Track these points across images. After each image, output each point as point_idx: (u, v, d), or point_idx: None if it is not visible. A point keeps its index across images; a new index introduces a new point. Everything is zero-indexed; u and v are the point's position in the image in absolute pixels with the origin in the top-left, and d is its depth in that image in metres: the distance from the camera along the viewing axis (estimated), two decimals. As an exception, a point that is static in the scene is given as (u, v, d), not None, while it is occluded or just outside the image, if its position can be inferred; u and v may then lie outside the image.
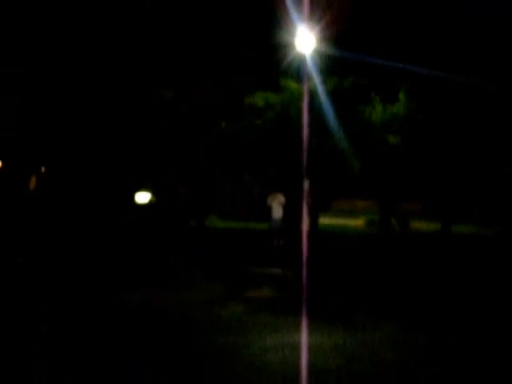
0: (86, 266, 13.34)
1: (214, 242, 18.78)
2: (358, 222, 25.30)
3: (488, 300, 10.50)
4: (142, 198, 25.31)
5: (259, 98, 20.70)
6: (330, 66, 20.40)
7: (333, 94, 20.03)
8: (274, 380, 5.87)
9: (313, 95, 20.06)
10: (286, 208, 21.08)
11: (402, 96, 20.49)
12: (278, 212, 16.88)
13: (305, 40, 17.95)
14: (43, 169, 25.34)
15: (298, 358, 6.58)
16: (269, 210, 17.15)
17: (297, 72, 20.27)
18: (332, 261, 15.04)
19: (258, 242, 18.54)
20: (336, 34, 20.33)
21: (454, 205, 21.76)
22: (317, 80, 20.11)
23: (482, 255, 16.49)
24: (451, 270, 14.16)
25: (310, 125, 20.28)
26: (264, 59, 21.40)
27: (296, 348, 6.98)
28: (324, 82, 20.25)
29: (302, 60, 19.91)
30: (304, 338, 7.48)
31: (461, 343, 7.46)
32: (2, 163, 24.52)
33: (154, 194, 25.32)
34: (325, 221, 23.44)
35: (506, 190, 21.86)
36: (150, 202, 25.39)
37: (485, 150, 20.42)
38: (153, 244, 17.72)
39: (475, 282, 12.41)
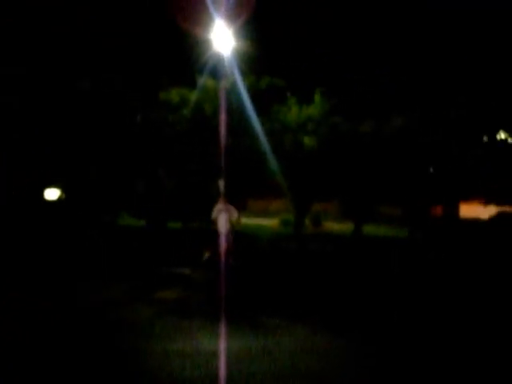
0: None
1: (125, 240, 18.26)
2: (272, 222, 25.39)
3: (395, 299, 10.68)
4: (51, 194, 24.29)
5: (174, 94, 20.35)
6: (246, 64, 20.36)
7: (249, 93, 19.96)
8: None
9: (229, 93, 19.93)
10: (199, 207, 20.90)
11: (317, 98, 20.68)
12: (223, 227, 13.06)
13: (222, 37, 17.81)
14: None
15: (209, 363, 6.39)
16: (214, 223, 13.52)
17: (213, 69, 20.10)
18: (245, 261, 14.92)
19: (169, 241, 18.21)
20: (254, 33, 20.34)
21: (365, 206, 22.21)
22: (233, 78, 20.00)
23: (389, 257, 16.88)
24: (361, 270, 14.38)
25: (226, 123, 20.15)
26: (180, 55, 21.10)
27: (203, 353, 6.77)
28: (240, 80, 20.17)
29: (219, 57, 19.77)
30: (215, 342, 7.29)
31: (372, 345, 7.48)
32: None
33: (64, 190, 24.37)
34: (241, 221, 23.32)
35: (416, 191, 22.52)
36: (60, 198, 24.41)
37: (396, 152, 20.95)
38: (59, 243, 16.99)
39: (384, 283, 12.62)
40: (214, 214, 12.80)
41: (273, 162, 19.85)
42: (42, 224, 20.48)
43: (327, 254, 17.38)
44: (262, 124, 19.74)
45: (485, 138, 25.34)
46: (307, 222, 23.74)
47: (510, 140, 24.74)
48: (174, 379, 5.89)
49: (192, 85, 20.36)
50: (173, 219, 22.79)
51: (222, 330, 7.95)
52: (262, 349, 7.12)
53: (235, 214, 13.08)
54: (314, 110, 20.52)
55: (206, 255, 12.63)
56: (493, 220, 24.35)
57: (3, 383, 5.58)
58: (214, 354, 6.82)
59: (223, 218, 12.63)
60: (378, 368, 6.58)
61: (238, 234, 19.98)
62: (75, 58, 21.96)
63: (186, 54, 20.61)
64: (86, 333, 7.57)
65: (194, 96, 20.25)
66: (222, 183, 22.60)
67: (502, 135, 24.88)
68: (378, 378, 6.23)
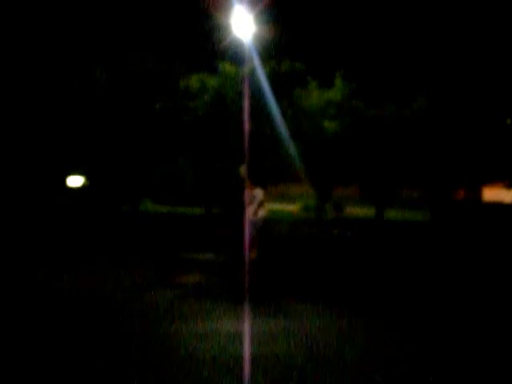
0: (11, 253, 12.79)
1: (147, 226, 18.41)
2: (293, 207, 25.43)
3: (418, 286, 10.67)
4: (74, 181, 24.59)
5: (194, 81, 20.38)
6: (267, 49, 20.34)
7: (270, 78, 19.94)
8: (208, 367, 5.69)
9: (249, 79, 19.92)
10: (222, 193, 20.90)
11: (338, 81, 20.60)
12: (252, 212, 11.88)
13: (242, 22, 17.75)
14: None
15: (232, 345, 6.44)
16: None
17: (234, 55, 20.12)
18: (267, 246, 14.96)
19: (191, 227, 18.32)
20: (274, 17, 20.28)
21: (387, 190, 22.14)
22: (254, 63, 19.97)
23: (412, 241, 16.84)
24: (384, 255, 14.36)
25: (247, 109, 20.16)
26: (200, 41, 21.14)
27: (229, 335, 6.83)
28: (261, 65, 20.14)
29: (239, 43, 19.74)
30: (237, 324, 7.34)
31: (394, 331, 7.49)
32: None
33: (87, 177, 24.66)
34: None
35: (438, 174, 22.37)
36: (84, 185, 24.71)
37: (418, 136, 20.81)
38: (83, 229, 17.19)
39: (407, 269, 12.60)
40: (246, 197, 11.52)
41: (294, 147, 19.85)
42: (65, 211, 20.75)
43: (350, 239, 17.37)
44: (283, 109, 19.73)
45: (508, 121, 25.05)
46: (328, 207, 23.73)
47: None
48: (197, 360, 5.96)
49: (212, 71, 20.39)
50: (195, 205, 22.94)
51: (245, 312, 8.00)
52: (285, 331, 7.16)
53: (260, 195, 12.02)
54: (334, 94, 20.45)
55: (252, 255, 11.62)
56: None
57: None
58: (237, 336, 6.87)
59: (253, 206, 11.62)
60: (400, 351, 6.60)
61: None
62: (95, 46, 22.11)
63: (206, 40, 20.64)
64: (109, 317, 7.67)
65: (214, 82, 20.28)
66: (244, 168, 22.68)
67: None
68: (399, 361, 6.25)
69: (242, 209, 11.04)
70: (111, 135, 21.39)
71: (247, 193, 11.02)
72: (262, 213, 11.09)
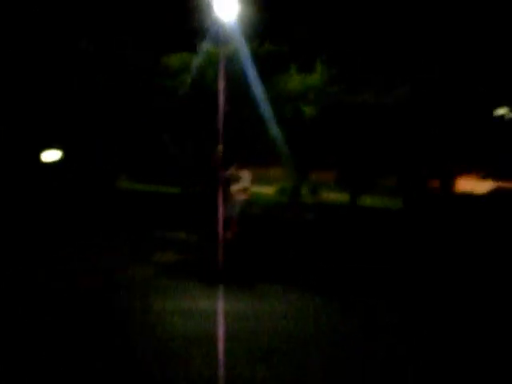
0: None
1: (122, 204, 18.37)
2: (269, 190, 25.48)
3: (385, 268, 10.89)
4: (50, 156, 24.28)
5: (175, 59, 20.24)
6: (249, 30, 20.22)
7: (250, 60, 19.89)
8: (181, 344, 5.81)
9: (230, 60, 19.83)
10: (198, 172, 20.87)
11: (318, 66, 20.62)
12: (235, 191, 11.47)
13: (224, 2, 17.63)
14: None
15: (205, 322, 6.56)
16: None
17: (215, 35, 19.97)
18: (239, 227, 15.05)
19: (166, 205, 18.33)
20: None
21: (362, 176, 22.33)
22: (235, 44, 19.87)
23: (384, 228, 17.09)
24: (355, 239, 14.57)
25: (226, 90, 20.11)
26: (181, 20, 20.95)
27: (200, 312, 6.95)
28: (242, 46, 20.07)
29: (220, 23, 19.61)
30: (211, 303, 7.46)
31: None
32: None
33: (63, 152, 24.38)
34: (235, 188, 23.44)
35: (413, 163, 22.59)
36: (59, 160, 24.42)
37: (396, 124, 20.98)
38: (57, 206, 17.06)
39: (375, 252, 12.82)
40: (227, 175, 11.40)
41: (273, 130, 19.90)
42: (39, 187, 20.53)
43: (323, 222, 17.55)
44: (263, 92, 19.73)
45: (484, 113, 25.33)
46: (304, 190, 23.87)
47: (508, 115, 24.72)
48: (172, 336, 6.08)
49: (193, 51, 20.25)
50: (171, 184, 22.91)
51: (219, 291, 8.14)
52: (259, 310, 7.32)
53: (248, 183, 11.78)
54: (315, 79, 20.48)
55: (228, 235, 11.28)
56: (489, 195, 24.41)
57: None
58: (212, 314, 7.01)
59: (237, 186, 11.34)
60: (371, 332, 6.79)
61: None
62: (78, 18, 21.75)
63: (187, 19, 20.47)
64: (84, 294, 7.74)
65: (194, 61, 20.16)
66: (220, 149, 22.65)
67: (501, 110, 24.88)
68: (369, 340, 6.44)
69: (217, 188, 10.90)
70: (91, 109, 21.20)
71: (232, 172, 10.90)
72: (244, 196, 11.04)
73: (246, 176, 11.22)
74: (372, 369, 5.58)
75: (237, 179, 10.80)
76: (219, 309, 7.26)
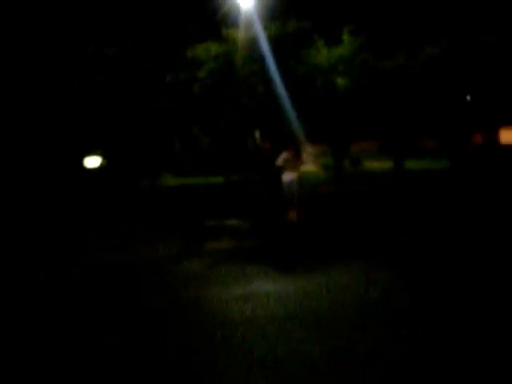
0: (41, 231, 13.00)
1: (169, 199, 18.56)
2: (313, 167, 25.36)
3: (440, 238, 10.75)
4: (92, 162, 24.74)
5: (201, 50, 20.22)
6: (270, 11, 20.08)
7: (276, 40, 19.76)
8: (239, 329, 5.84)
9: (256, 43, 19.76)
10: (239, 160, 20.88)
11: (345, 37, 20.35)
12: (289, 174, 10.74)
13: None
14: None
15: (265, 306, 6.58)
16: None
17: (238, 20, 19.91)
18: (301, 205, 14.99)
19: (212, 195, 18.44)
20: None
21: (404, 141, 22.04)
22: (258, 27, 19.78)
23: (433, 190, 16.86)
24: (404, 207, 14.42)
25: (256, 74, 20.04)
26: (203, 9, 20.93)
27: (261, 296, 6.97)
28: (266, 28, 19.95)
29: (242, 7, 19.54)
30: (268, 286, 7.48)
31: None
32: None
33: (104, 157, 24.79)
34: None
35: (454, 121, 22.19)
36: (101, 165, 24.86)
37: (431, 84, 20.58)
38: (105, 206, 17.32)
39: (428, 220, 12.65)
40: (280, 161, 10.65)
41: (307, 107, 19.78)
42: (85, 190, 20.88)
43: (370, 192, 17.38)
44: (293, 69, 19.60)
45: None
46: (346, 163, 23.70)
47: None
48: (233, 321, 6.11)
49: (219, 38, 20.21)
50: (214, 174, 23.03)
51: (276, 274, 8.14)
52: (318, 289, 7.30)
53: (300, 165, 11.26)
54: (343, 49, 20.22)
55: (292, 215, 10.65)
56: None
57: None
58: (270, 296, 7.02)
59: (289, 163, 10.81)
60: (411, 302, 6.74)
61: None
62: (98, 23, 21.95)
63: (209, 7, 20.44)
64: (145, 286, 7.85)
65: (219, 49, 20.14)
66: (257, 133, 22.66)
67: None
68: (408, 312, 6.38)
69: (273, 172, 10.67)
70: (125, 113, 21.45)
71: (286, 157, 10.64)
72: (295, 174, 10.83)
73: (299, 157, 11.06)
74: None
75: (293, 162, 10.49)
76: (278, 291, 7.26)
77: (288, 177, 10.33)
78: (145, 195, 20.06)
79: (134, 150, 22.75)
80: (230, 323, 6.04)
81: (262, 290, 7.27)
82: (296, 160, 10.51)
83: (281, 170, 10.43)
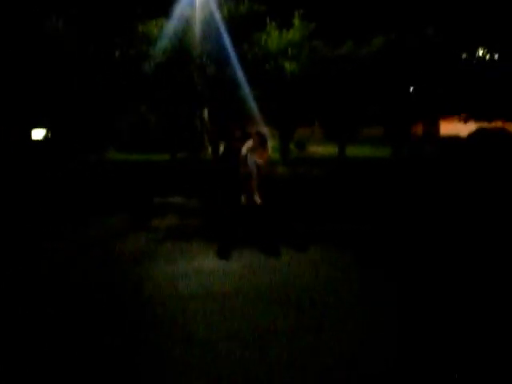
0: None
1: (115, 174, 18.49)
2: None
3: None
4: (37, 134, 24.35)
5: (153, 26, 20.13)
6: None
7: (228, 21, 19.87)
8: (191, 304, 6.06)
9: (208, 22, 19.82)
10: (187, 138, 20.96)
11: (296, 22, 20.65)
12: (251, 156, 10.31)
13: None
14: None
15: (207, 282, 6.82)
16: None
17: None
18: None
19: (158, 173, 18.52)
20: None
21: (348, 127, 22.60)
22: (212, 6, 19.83)
23: (375, 177, 17.46)
24: (348, 189, 14.92)
25: (207, 53, 20.11)
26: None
27: (206, 272, 7.21)
28: (220, 8, 20.03)
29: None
30: (213, 262, 7.73)
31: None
32: None
33: (49, 129, 24.36)
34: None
35: (397, 110, 22.84)
36: (46, 137, 24.45)
37: (376, 73, 21.13)
38: (50, 179, 17.12)
39: (373, 201, 13.18)
40: (244, 150, 10.50)
41: (255, 89, 20.00)
42: (31, 162, 20.56)
43: (316, 177, 17.77)
44: (244, 51, 19.77)
45: (464, 55, 25.51)
46: (292, 146, 24.14)
47: (488, 56, 24.96)
48: (178, 297, 6.33)
49: (171, 16, 20.14)
50: (160, 151, 23.07)
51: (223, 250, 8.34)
52: (263, 266, 7.62)
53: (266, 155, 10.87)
54: (293, 34, 20.53)
55: (243, 199, 10.49)
56: (472, 136, 24.79)
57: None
58: (215, 273, 7.27)
59: (253, 157, 10.41)
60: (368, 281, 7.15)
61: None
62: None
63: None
64: (88, 263, 7.95)
65: (173, 27, 20.09)
66: (206, 112, 22.73)
67: (480, 52, 25.07)
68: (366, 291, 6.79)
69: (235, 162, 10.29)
70: (71, 85, 21.10)
71: (252, 144, 10.41)
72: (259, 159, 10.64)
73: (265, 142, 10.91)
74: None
75: (258, 151, 10.24)
76: (222, 267, 7.54)
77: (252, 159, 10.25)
78: (91, 169, 19.90)
79: (80, 124, 22.44)
80: (171, 299, 6.24)
81: (205, 267, 7.54)
82: (262, 149, 10.36)
83: (245, 161, 10.28)
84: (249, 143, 10.43)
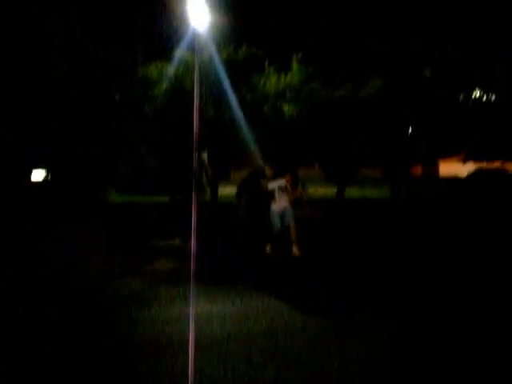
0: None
1: (113, 216, 18.47)
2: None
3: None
4: (37, 175, 24.40)
5: (153, 69, 20.41)
6: (224, 36, 20.46)
7: (227, 65, 20.11)
8: (174, 350, 5.97)
9: (208, 66, 20.05)
10: (185, 180, 20.98)
11: (295, 65, 20.91)
12: (279, 202, 10.50)
13: (198, 10, 17.82)
14: None
15: (200, 327, 6.72)
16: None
17: (191, 43, 20.15)
18: (232, 230, 15.20)
19: (157, 214, 18.49)
20: (229, 3, 20.42)
21: (347, 169, 22.66)
22: (211, 51, 20.08)
23: (374, 217, 17.43)
24: (346, 231, 14.88)
25: (206, 96, 20.30)
26: (156, 30, 21.12)
27: (197, 318, 7.12)
28: (218, 52, 20.29)
29: (195, 30, 19.79)
30: (205, 307, 7.63)
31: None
32: None
33: (49, 171, 24.44)
34: (225, 191, 23.70)
35: (396, 152, 22.94)
36: (45, 179, 24.51)
37: (374, 115, 21.30)
38: (47, 220, 17.05)
39: (370, 242, 13.11)
40: (272, 186, 10.25)
41: (254, 131, 20.12)
42: (30, 204, 20.52)
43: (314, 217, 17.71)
44: (243, 94, 19.97)
45: (461, 97, 25.82)
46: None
47: (484, 97, 25.24)
48: (165, 343, 6.22)
49: (170, 60, 20.42)
50: (160, 193, 23.08)
51: (216, 295, 8.28)
52: (259, 310, 7.52)
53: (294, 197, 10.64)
54: (292, 77, 20.76)
55: (268, 249, 10.11)
56: (471, 176, 24.89)
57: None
58: (208, 318, 7.16)
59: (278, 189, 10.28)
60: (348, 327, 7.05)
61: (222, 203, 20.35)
62: (49, 41, 21.76)
63: (162, 29, 20.66)
64: (81, 306, 7.86)
65: (172, 70, 20.33)
66: (205, 155, 22.82)
67: (477, 93, 25.39)
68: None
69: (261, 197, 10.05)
70: (72, 127, 21.26)
71: (282, 182, 10.09)
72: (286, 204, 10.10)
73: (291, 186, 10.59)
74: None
75: (286, 191, 9.98)
76: (216, 312, 7.44)
77: (279, 206, 9.86)
78: (89, 211, 19.85)
79: (80, 166, 22.52)
80: (161, 345, 6.15)
81: (199, 312, 7.44)
82: (292, 190, 9.98)
83: (270, 197, 10.03)
84: (281, 181, 10.10)
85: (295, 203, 10.42)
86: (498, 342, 6.20)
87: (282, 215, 10.13)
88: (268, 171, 10.22)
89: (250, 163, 12.49)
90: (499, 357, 5.73)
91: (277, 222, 9.94)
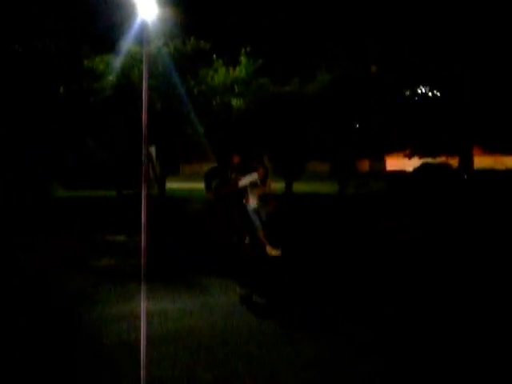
0: None
1: (57, 211, 18.06)
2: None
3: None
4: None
5: (99, 61, 20.04)
6: (172, 29, 20.25)
7: (175, 58, 19.94)
8: (117, 350, 5.85)
9: (155, 58, 19.81)
10: (132, 174, 20.77)
11: (243, 59, 20.89)
12: (252, 199, 9.97)
13: (146, 3, 17.56)
14: None
15: (144, 325, 6.59)
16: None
17: (138, 35, 19.86)
18: (178, 225, 15.10)
19: (103, 210, 18.20)
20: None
21: (294, 163, 22.81)
22: (159, 43, 19.87)
23: (323, 212, 17.59)
24: (292, 226, 14.94)
25: (154, 89, 20.06)
26: (103, 21, 20.74)
27: (141, 316, 6.98)
28: (166, 45, 20.10)
29: (143, 22, 19.50)
30: (149, 305, 7.50)
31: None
32: None
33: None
34: (173, 185, 23.54)
35: (343, 147, 23.21)
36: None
37: (322, 110, 21.50)
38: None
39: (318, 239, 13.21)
40: (244, 183, 9.54)
41: (203, 125, 20.03)
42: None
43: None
44: (191, 88, 19.83)
45: (407, 93, 26.32)
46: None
47: (430, 94, 25.82)
48: (110, 343, 6.09)
49: (117, 52, 20.09)
50: (106, 188, 22.73)
51: (158, 292, 8.12)
52: (200, 307, 7.44)
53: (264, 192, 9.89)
54: (240, 71, 20.74)
55: (247, 239, 9.20)
56: (417, 171, 25.39)
57: None
58: (151, 316, 7.02)
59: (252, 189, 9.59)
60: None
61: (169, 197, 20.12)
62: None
63: (109, 20, 20.30)
64: (21, 303, 7.66)
65: (119, 63, 20.02)
66: (153, 149, 22.58)
67: (422, 89, 25.95)
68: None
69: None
70: (13, 120, 20.69)
71: (255, 177, 9.37)
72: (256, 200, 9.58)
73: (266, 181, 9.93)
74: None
75: (259, 187, 9.35)
76: (158, 310, 7.32)
77: (253, 203, 9.32)
78: (34, 207, 19.39)
79: (22, 160, 21.92)
80: (102, 344, 6.02)
81: (138, 310, 7.30)
82: (261, 185, 9.39)
83: (243, 194, 9.46)
84: (253, 176, 9.47)
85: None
86: (478, 339, 6.28)
87: (258, 212, 9.78)
88: (236, 158, 9.73)
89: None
90: (498, 356, 5.70)
91: (257, 221, 9.59)
